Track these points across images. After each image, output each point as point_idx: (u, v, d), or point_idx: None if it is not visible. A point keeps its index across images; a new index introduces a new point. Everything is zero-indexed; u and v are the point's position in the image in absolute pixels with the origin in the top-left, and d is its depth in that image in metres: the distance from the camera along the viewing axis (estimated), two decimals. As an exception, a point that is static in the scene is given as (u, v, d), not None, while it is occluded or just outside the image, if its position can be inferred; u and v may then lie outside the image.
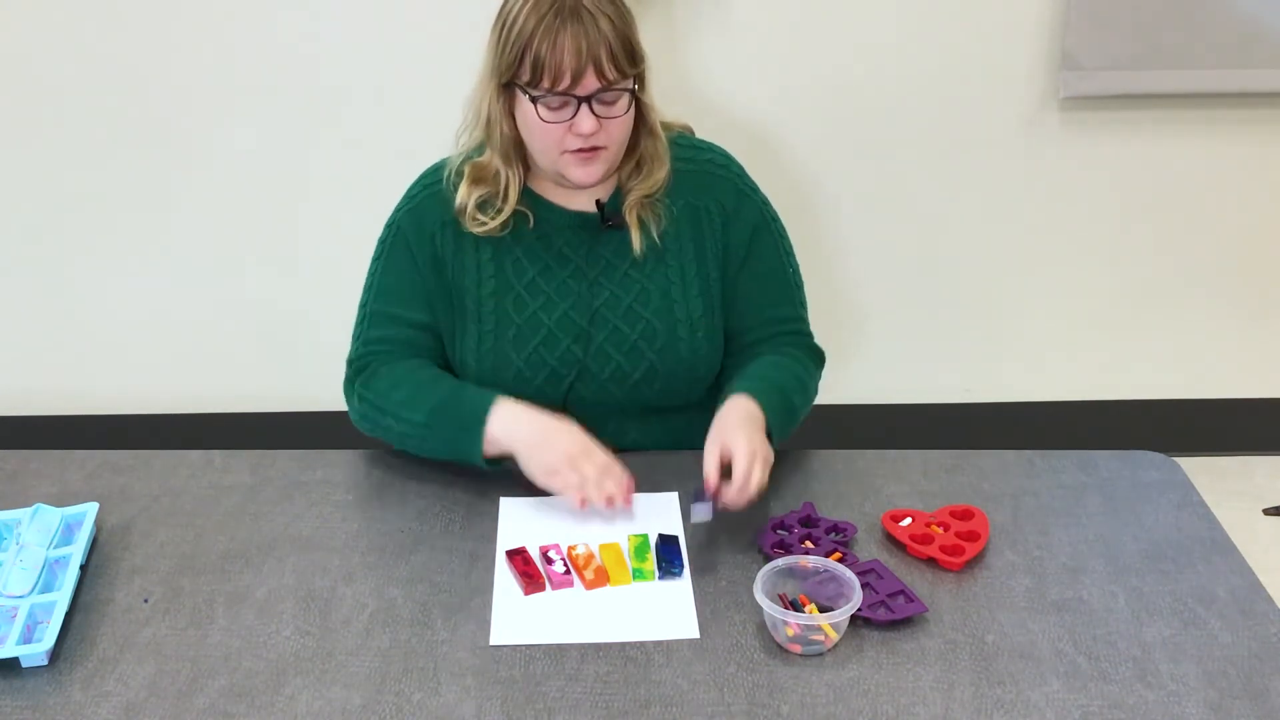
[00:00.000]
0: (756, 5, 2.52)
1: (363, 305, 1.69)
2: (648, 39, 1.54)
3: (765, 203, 1.70)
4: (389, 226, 1.67)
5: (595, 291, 1.62)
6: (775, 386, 1.59)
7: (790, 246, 1.72)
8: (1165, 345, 2.90)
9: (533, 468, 1.52)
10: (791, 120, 2.63)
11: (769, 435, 1.53)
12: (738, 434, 1.47)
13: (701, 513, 1.45)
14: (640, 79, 1.55)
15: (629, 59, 1.49)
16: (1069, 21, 2.50)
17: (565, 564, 1.44)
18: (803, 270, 1.73)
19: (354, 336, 1.69)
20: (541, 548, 1.47)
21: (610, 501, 1.48)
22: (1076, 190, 2.71)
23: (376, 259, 1.68)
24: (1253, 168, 2.70)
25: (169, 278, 2.78)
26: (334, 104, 2.60)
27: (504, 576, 1.43)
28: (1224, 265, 2.81)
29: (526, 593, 1.40)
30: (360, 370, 1.66)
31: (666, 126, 1.66)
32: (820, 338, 1.74)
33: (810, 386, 1.68)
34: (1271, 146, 2.68)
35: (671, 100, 1.67)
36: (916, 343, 2.88)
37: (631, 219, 1.61)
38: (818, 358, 1.73)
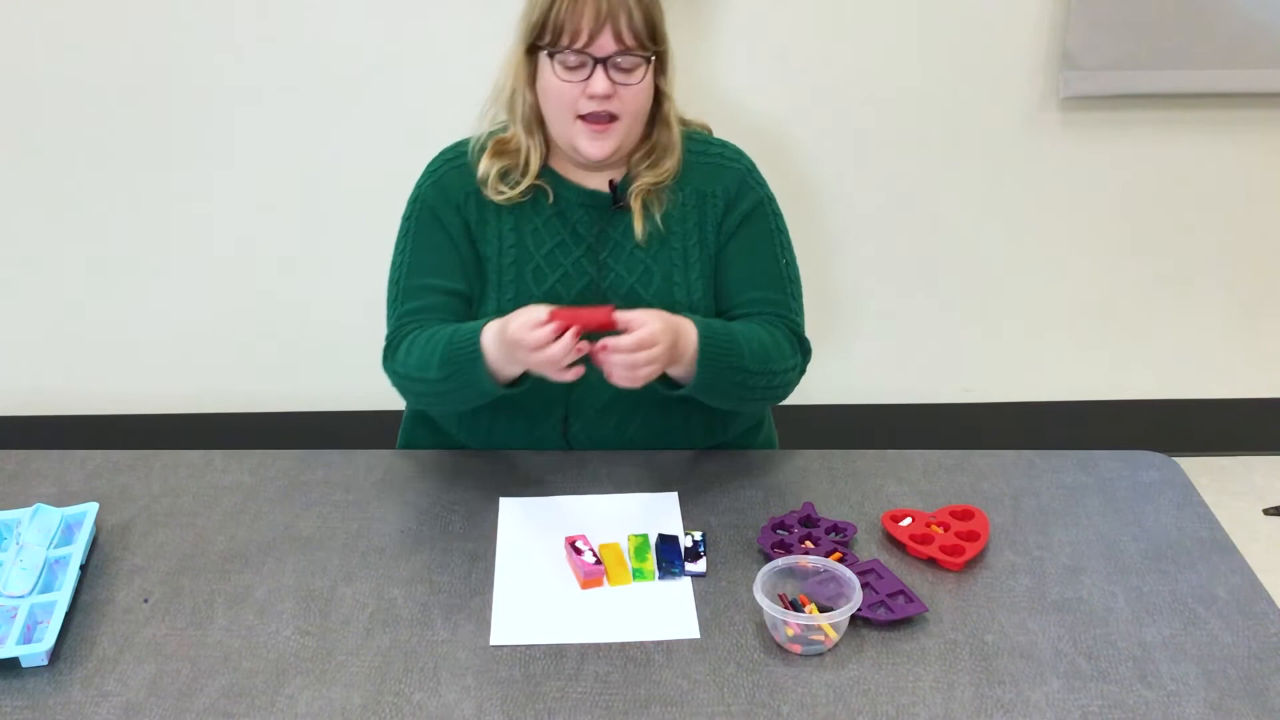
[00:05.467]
0: (758, 8, 2.52)
1: (395, 282, 1.68)
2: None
3: (769, 198, 1.71)
4: (413, 202, 1.68)
5: (603, 273, 1.65)
6: (730, 330, 1.57)
7: (788, 244, 1.72)
8: (1165, 345, 2.90)
9: (526, 370, 1.51)
10: (792, 120, 2.62)
11: (704, 360, 1.51)
12: (647, 317, 1.45)
13: (694, 569, 1.45)
14: (661, 60, 1.59)
15: (649, 34, 1.54)
16: (1069, 21, 2.50)
17: (594, 554, 1.44)
18: (803, 268, 1.72)
19: (388, 316, 1.68)
20: (568, 538, 1.46)
21: (568, 368, 1.44)
22: (1077, 190, 2.71)
23: (403, 236, 1.69)
24: (1253, 168, 2.70)
25: (169, 278, 2.77)
26: (337, 104, 2.59)
27: (504, 576, 1.43)
28: (1224, 265, 2.81)
29: (584, 586, 1.41)
30: (394, 345, 1.65)
31: (685, 124, 1.70)
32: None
33: (775, 356, 1.62)
34: (1271, 146, 2.68)
35: (685, 102, 1.68)
36: (916, 343, 2.88)
37: (636, 204, 1.63)
38: (801, 344, 1.69)
